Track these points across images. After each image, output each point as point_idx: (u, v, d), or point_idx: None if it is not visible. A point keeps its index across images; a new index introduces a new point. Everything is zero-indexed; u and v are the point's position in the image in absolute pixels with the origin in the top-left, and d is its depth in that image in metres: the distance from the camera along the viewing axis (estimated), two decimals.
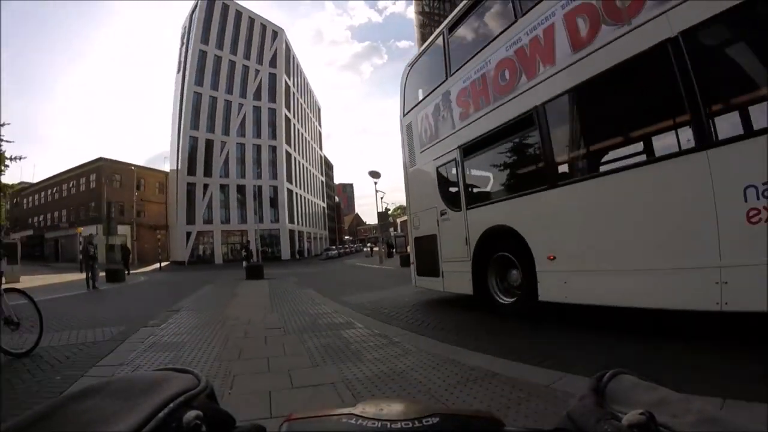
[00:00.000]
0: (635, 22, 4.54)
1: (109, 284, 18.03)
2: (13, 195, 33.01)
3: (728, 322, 4.26)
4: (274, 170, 57.70)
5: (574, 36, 5.32)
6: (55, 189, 60.52)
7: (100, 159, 54.26)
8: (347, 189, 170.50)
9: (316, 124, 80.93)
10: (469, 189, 7.61)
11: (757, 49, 3.75)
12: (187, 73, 53.88)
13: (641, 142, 4.97)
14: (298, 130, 67.10)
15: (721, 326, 4.36)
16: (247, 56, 59.01)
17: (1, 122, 30.60)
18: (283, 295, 11.33)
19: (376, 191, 35.24)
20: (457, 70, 7.80)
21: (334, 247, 69.52)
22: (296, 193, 62.03)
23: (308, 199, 68.42)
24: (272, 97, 59.87)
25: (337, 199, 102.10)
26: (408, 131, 9.68)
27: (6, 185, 31.06)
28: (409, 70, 9.81)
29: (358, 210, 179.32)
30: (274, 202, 56.78)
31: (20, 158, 32.61)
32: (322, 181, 79.84)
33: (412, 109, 9.51)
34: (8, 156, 30.09)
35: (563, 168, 5.75)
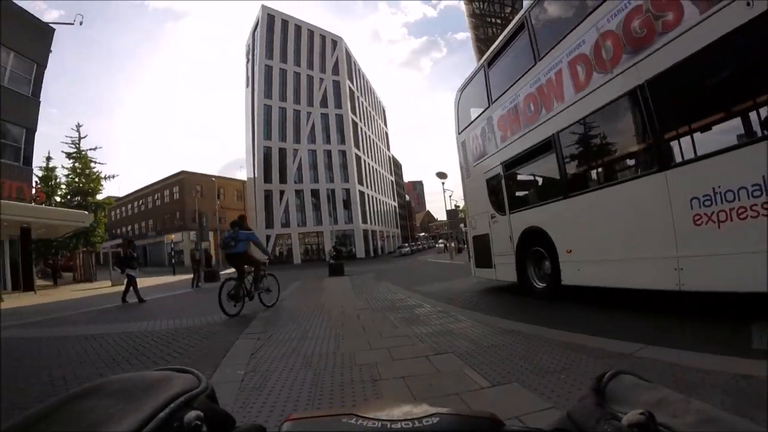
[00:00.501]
0: (615, 71, 6.01)
1: (208, 284, 20.52)
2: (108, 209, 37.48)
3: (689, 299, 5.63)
4: (345, 173, 60.54)
5: (576, 79, 6.84)
6: (141, 201, 68.00)
7: (182, 172, 60.12)
8: (417, 186, 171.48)
9: (382, 124, 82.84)
10: (510, 197, 9.22)
11: (698, 93, 5.14)
12: (255, 87, 58.08)
13: (623, 164, 6.46)
14: (365, 132, 69.47)
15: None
16: (310, 66, 62.31)
17: (95, 147, 35.24)
18: (364, 287, 13.30)
19: (444, 191, 36.73)
20: (496, 100, 9.41)
21: (406, 244, 71.39)
22: (367, 194, 64.41)
23: (379, 199, 70.61)
24: (338, 103, 62.78)
25: (407, 197, 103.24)
26: (463, 147, 11.35)
27: (106, 202, 35.46)
28: (460, 94, 11.46)
29: (429, 207, 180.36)
30: (347, 204, 59.68)
31: (113, 177, 37.09)
32: (391, 181, 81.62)
33: (464, 129, 11.21)
34: (103, 176, 34.59)
35: (572, 182, 7.28)
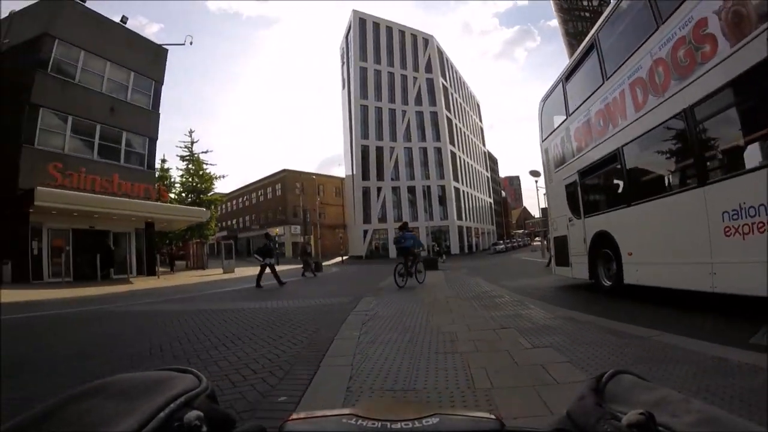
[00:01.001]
0: (666, 95, 6.74)
1: (311, 273, 22.71)
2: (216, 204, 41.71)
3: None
4: (440, 170, 61.61)
5: (635, 100, 7.60)
6: (245, 197, 74.52)
7: (284, 170, 64.86)
8: (514, 182, 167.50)
9: (476, 119, 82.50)
10: (584, 203, 10.07)
11: (729, 119, 5.82)
12: (351, 88, 60.94)
13: (672, 178, 7.18)
14: (460, 128, 69.89)
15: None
16: (403, 66, 63.90)
17: (206, 150, 39.15)
18: (455, 281, 14.55)
19: (538, 189, 36.62)
20: (573, 112, 10.26)
21: (501, 241, 70.60)
22: (462, 191, 64.89)
23: (474, 196, 70.73)
24: (432, 101, 63.76)
25: (503, 193, 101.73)
26: (546, 154, 12.28)
27: (217, 199, 39.36)
28: (543, 104, 12.36)
29: (526, 203, 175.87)
30: (442, 200, 60.71)
31: (223, 177, 41.10)
32: (486, 177, 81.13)
33: (547, 137, 12.16)
34: (214, 175, 38.35)
35: (632, 193, 8.07)
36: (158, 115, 27.75)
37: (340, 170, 70.12)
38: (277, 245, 15.96)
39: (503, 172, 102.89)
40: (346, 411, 0.50)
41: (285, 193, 62.91)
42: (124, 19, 26.41)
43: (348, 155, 62.73)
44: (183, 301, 11.82)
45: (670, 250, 6.83)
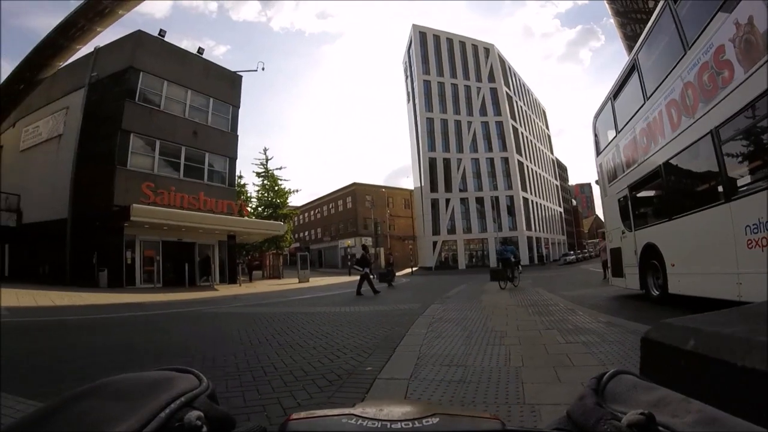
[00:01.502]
0: (696, 116, 7.18)
1: (381, 284, 23.51)
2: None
3: None
4: (508, 180, 61.27)
5: (671, 120, 8.04)
6: (316, 210, 77.20)
7: (354, 184, 67.02)
8: (585, 189, 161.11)
9: (543, 127, 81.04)
10: (634, 216, 10.50)
11: (754, 139, 6.25)
12: (416, 102, 62.26)
13: (704, 194, 7.54)
14: (526, 137, 69.10)
15: None
16: (466, 77, 64.48)
17: (280, 167, 41.37)
18: (518, 290, 15.26)
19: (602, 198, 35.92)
20: (621, 130, 10.74)
21: (572, 252, 68.70)
22: (531, 201, 63.95)
23: (543, 205, 69.46)
24: (497, 111, 63.75)
25: (573, 201, 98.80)
26: (601, 168, 12.73)
27: (292, 213, 41.38)
28: (595, 120, 12.85)
29: (599, 211, 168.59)
30: (510, 211, 60.33)
31: (297, 191, 43.34)
32: (556, 185, 79.27)
33: (601, 152, 12.62)
34: (289, 190, 40.34)
35: (672, 207, 8.48)
36: (236, 136, 30.37)
37: (408, 182, 71.38)
38: (372, 257, 17.79)
39: (574, 179, 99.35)
40: (346, 411, 0.50)
41: (356, 206, 64.94)
42: (200, 50, 29.45)
43: (416, 167, 63.90)
44: (276, 305, 13.58)
45: (703, 261, 7.25)
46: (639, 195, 10.28)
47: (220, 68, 30.41)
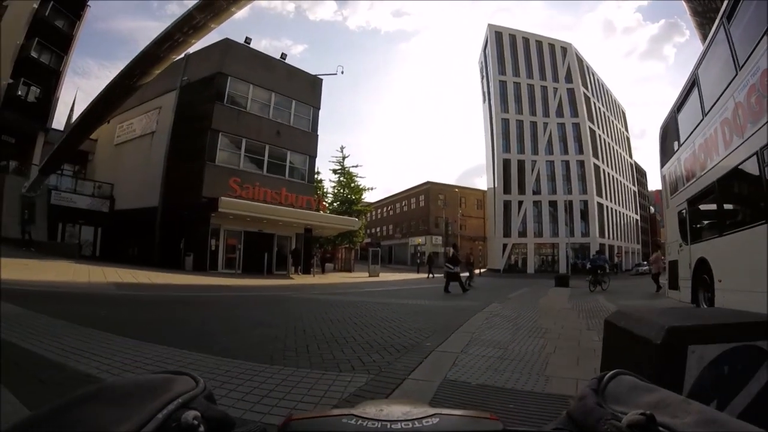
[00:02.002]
0: (745, 136, 7.36)
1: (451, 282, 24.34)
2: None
3: None
4: (583, 185, 59.00)
5: (724, 138, 8.19)
6: (389, 207, 78.33)
7: (427, 182, 67.62)
8: None
9: (622, 129, 77.25)
10: (691, 231, 10.56)
11: None
12: (492, 102, 61.54)
13: (749, 213, 7.65)
14: (604, 140, 66.31)
15: None
16: (542, 77, 62.83)
17: (356, 164, 42.75)
18: (578, 297, 15.52)
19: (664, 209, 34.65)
20: (683, 143, 10.83)
21: (645, 262, 65.41)
22: (606, 206, 61.53)
23: (618, 212, 66.46)
24: (574, 112, 61.61)
25: (652, 209, 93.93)
26: (664, 180, 12.81)
27: (366, 209, 42.67)
28: (661, 131, 12.89)
29: None
30: (584, 216, 58.20)
31: (372, 189, 44.68)
32: (633, 191, 75.78)
33: (665, 164, 12.66)
34: (363, 187, 41.53)
35: (721, 224, 8.62)
36: (317, 136, 32.41)
37: (481, 181, 71.01)
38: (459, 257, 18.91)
39: (654, 185, 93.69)
40: (346, 411, 0.51)
41: (428, 205, 65.65)
42: (283, 56, 31.62)
43: (490, 168, 63.38)
44: (350, 295, 15.01)
45: (744, 279, 7.39)
46: (696, 209, 10.29)
47: (301, 72, 32.27)
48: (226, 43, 27.83)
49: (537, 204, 58.70)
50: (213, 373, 4.04)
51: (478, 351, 5.41)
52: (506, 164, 59.06)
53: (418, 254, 54.92)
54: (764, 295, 6.67)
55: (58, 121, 30.55)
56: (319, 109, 32.57)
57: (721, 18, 8.46)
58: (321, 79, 33.10)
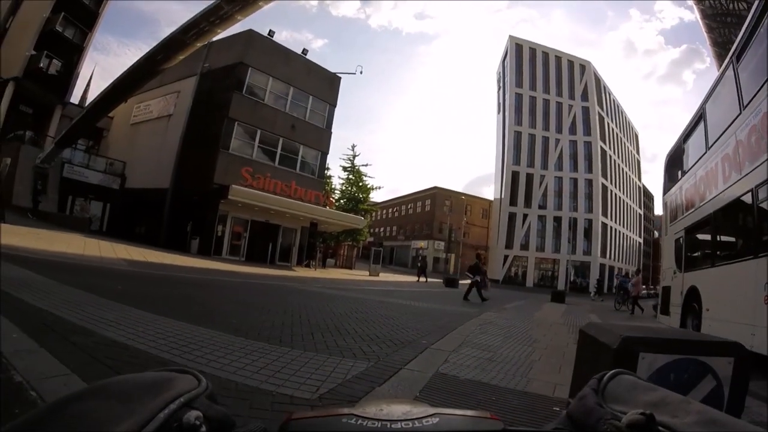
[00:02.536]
0: (742, 173, 7.70)
1: (449, 288, 25.47)
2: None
3: None
4: (589, 203, 59.20)
5: (724, 172, 8.53)
6: (394, 208, 78.34)
7: (434, 187, 67.95)
8: None
9: (634, 151, 77.14)
10: (686, 258, 10.89)
11: None
12: (506, 114, 61.74)
13: (738, 247, 8.05)
14: (614, 160, 66.39)
15: None
16: (558, 93, 62.97)
17: (366, 164, 43.05)
18: (572, 314, 16.05)
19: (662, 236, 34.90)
20: (686, 172, 11.17)
21: (644, 286, 65.51)
22: (610, 227, 61.65)
23: (622, 233, 66.65)
24: (587, 130, 61.67)
25: (656, 233, 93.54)
26: (665, 206, 13.16)
27: (371, 209, 43.04)
28: (668, 158, 13.21)
29: None
30: (587, 234, 58.37)
31: (379, 188, 44.90)
32: (639, 214, 75.89)
33: (667, 191, 13.00)
34: (371, 187, 41.90)
35: (713, 256, 8.98)
36: (330, 133, 32.75)
37: (488, 190, 71.04)
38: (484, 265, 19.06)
39: (660, 210, 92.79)
40: (346, 411, 0.51)
41: (434, 209, 65.96)
42: (304, 51, 31.88)
43: (498, 178, 63.57)
44: (351, 291, 15.47)
45: (729, 310, 7.75)
46: (692, 238, 10.65)
47: (321, 69, 32.59)
48: (250, 34, 28.18)
49: (542, 218, 58.87)
50: (228, 348, 4.43)
51: (469, 352, 5.85)
52: (515, 176, 59.27)
53: (419, 258, 55.26)
54: (745, 327, 7.04)
55: (75, 96, 31.44)
56: (335, 106, 32.96)
57: (731, 57, 8.81)
58: (340, 77, 33.49)
